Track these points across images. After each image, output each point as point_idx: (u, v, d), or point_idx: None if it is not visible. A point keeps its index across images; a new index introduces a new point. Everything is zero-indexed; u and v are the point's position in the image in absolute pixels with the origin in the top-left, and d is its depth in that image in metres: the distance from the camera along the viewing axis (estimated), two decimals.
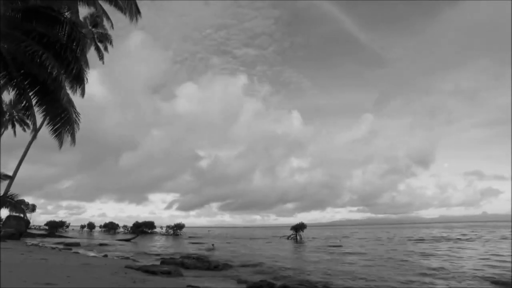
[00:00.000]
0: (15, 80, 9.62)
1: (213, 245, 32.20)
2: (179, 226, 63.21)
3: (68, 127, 10.63)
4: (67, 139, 11.13)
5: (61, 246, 27.57)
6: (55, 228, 66.84)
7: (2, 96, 11.16)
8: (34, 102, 10.15)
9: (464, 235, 47.44)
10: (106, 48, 32.75)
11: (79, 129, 10.93)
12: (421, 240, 38.49)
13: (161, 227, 68.63)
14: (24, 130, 35.62)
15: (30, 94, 9.99)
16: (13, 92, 10.04)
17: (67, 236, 46.36)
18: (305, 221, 45.42)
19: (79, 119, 10.74)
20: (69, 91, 10.39)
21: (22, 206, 35.71)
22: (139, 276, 11.26)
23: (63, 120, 10.48)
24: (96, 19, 30.43)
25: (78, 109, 11.02)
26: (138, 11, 20.47)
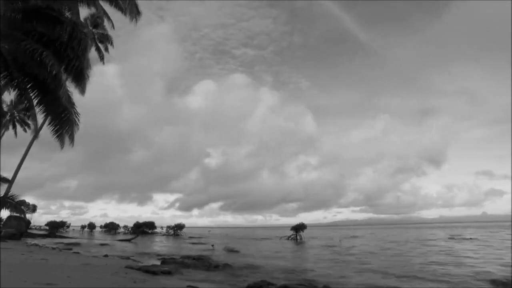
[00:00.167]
0: (16, 81, 9.65)
1: (213, 245, 32.22)
2: (179, 227, 63.24)
3: (67, 127, 10.65)
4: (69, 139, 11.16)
5: (61, 246, 27.59)
6: (55, 228, 66.90)
7: (3, 97, 11.20)
8: (35, 102, 10.18)
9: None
10: (106, 49, 32.84)
11: (78, 129, 10.95)
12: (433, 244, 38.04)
13: (162, 228, 68.68)
14: (25, 131, 35.71)
15: (31, 94, 10.02)
16: (14, 93, 10.08)
17: (68, 236, 46.39)
18: (306, 221, 45.64)
19: (78, 119, 10.76)
20: (70, 90, 10.42)
21: (23, 206, 35.81)
22: (139, 276, 11.28)
23: (63, 120, 10.50)
24: (97, 20, 30.50)
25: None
26: (138, 12, 20.52)
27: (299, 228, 44.43)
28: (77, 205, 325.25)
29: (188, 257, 18.47)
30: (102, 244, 33.20)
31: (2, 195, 22.78)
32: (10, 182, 29.39)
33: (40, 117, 10.80)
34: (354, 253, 23.74)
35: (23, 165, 31.01)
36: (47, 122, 10.93)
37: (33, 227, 67.46)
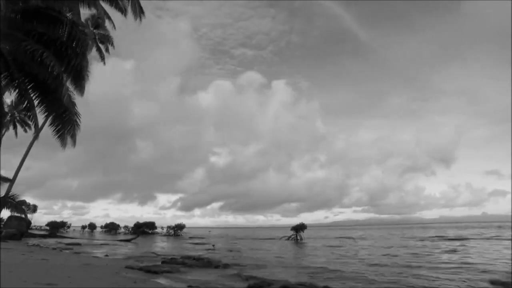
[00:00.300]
0: (16, 81, 9.67)
1: (213, 245, 32.24)
2: (180, 227, 63.30)
3: (69, 127, 10.68)
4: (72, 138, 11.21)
5: (62, 247, 27.64)
6: (56, 228, 67.03)
7: (4, 97, 11.21)
8: (36, 102, 10.21)
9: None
10: (107, 49, 32.95)
11: (79, 130, 10.99)
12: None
13: (162, 228, 68.77)
14: (26, 131, 35.77)
15: (31, 95, 10.05)
16: (15, 93, 10.11)
17: (68, 237, 46.44)
18: (307, 222, 45.67)
19: (79, 120, 10.79)
20: (70, 90, 10.44)
21: (23, 206, 35.86)
22: (140, 276, 11.30)
23: (64, 121, 10.53)
24: (98, 21, 30.57)
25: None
26: (141, 11, 20.56)
27: (299, 228, 44.48)
28: (79, 205, 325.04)
29: (188, 257, 18.48)
30: (102, 244, 33.24)
31: (2, 195, 22.86)
32: (10, 182, 29.45)
33: (41, 118, 10.82)
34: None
35: (25, 165, 31.06)
36: (48, 123, 10.97)
37: (34, 227, 67.60)
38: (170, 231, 63.72)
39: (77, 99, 10.86)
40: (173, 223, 65.40)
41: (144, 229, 64.24)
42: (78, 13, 15.74)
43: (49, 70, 9.04)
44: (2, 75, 9.23)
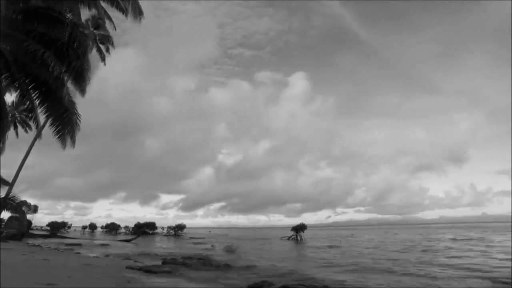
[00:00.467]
0: (17, 82, 9.70)
1: (213, 245, 32.25)
2: (180, 227, 63.35)
3: (69, 127, 10.70)
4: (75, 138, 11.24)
5: (62, 247, 27.66)
6: (56, 229, 67.14)
7: (5, 98, 11.23)
8: (37, 103, 10.23)
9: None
10: (108, 50, 32.98)
11: (79, 130, 11.02)
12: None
13: (162, 228, 68.82)
14: (26, 131, 35.79)
15: (32, 95, 10.06)
16: (16, 94, 10.13)
17: (69, 237, 46.45)
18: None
19: (79, 120, 10.81)
20: (71, 91, 10.47)
21: (24, 207, 35.92)
22: (140, 276, 11.32)
23: (65, 121, 10.55)
24: (98, 21, 30.59)
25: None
26: (141, 12, 20.60)
27: (299, 228, 44.56)
28: (82, 205, 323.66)
29: (188, 257, 18.50)
30: (103, 245, 33.26)
31: (3, 196, 22.86)
32: (11, 183, 29.46)
33: (41, 118, 10.85)
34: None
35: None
36: (48, 123, 10.99)
37: (35, 228, 67.62)
38: (171, 231, 63.77)
39: (79, 98, 10.90)
40: (175, 223, 65.56)
41: (144, 230, 64.29)
42: (79, 14, 15.74)
43: (50, 70, 9.05)
44: (3, 76, 9.25)
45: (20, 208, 24.78)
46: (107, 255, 20.80)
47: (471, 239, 38.14)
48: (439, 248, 27.86)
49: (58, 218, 79.41)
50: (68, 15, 10.50)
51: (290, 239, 44.52)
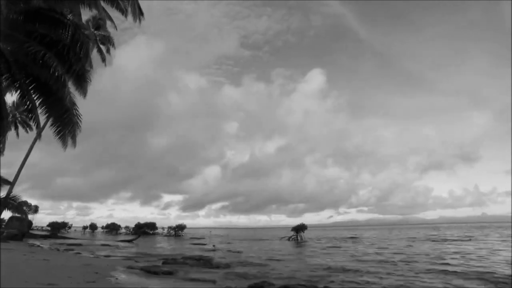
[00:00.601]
0: (18, 82, 9.71)
1: (214, 246, 32.27)
2: (180, 227, 63.41)
3: (70, 128, 10.72)
4: (77, 138, 11.25)
5: (63, 247, 27.69)
6: (57, 229, 67.24)
7: (5, 98, 11.24)
8: (37, 103, 10.24)
9: None
10: (108, 50, 33.02)
11: (80, 131, 11.04)
12: None
13: (163, 228, 68.90)
14: (27, 132, 35.84)
15: (33, 96, 10.08)
16: (16, 94, 10.14)
17: (69, 237, 46.52)
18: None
19: (80, 121, 10.83)
20: (71, 91, 10.48)
21: (25, 207, 35.92)
22: (140, 276, 11.33)
23: (65, 122, 10.56)
24: (99, 22, 30.64)
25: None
26: (141, 13, 20.61)
27: (299, 228, 44.60)
28: (84, 205, 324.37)
29: (189, 257, 18.50)
30: (103, 245, 33.28)
31: (3, 196, 22.91)
32: (11, 183, 29.49)
33: (42, 118, 10.86)
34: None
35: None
36: (49, 124, 11.00)
37: (35, 228, 67.73)
38: (171, 231, 63.83)
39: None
40: (177, 223, 65.71)
41: (145, 230, 64.39)
42: (79, 14, 15.76)
43: (51, 71, 9.07)
44: (4, 76, 9.27)
45: (21, 208, 24.78)
46: (107, 256, 20.82)
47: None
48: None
49: (60, 218, 79.71)
50: (69, 15, 10.52)
51: (290, 239, 44.52)
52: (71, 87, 10.42)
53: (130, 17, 20.14)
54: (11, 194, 25.28)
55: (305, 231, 45.35)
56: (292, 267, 16.57)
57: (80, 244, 32.67)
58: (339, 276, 13.28)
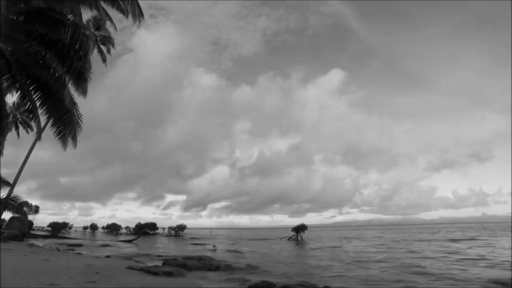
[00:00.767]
0: (18, 83, 9.72)
1: (214, 246, 32.25)
2: (181, 227, 63.40)
3: (70, 128, 10.73)
4: (78, 138, 11.27)
5: (63, 247, 27.71)
6: (57, 229, 67.29)
7: (6, 99, 11.26)
8: (38, 103, 10.25)
9: None
10: (108, 51, 33.03)
11: (81, 131, 11.05)
12: None
13: (163, 228, 68.89)
14: (28, 132, 35.86)
15: (34, 96, 10.09)
16: (17, 94, 10.15)
17: (70, 237, 46.55)
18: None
19: (81, 121, 10.85)
20: (71, 92, 10.49)
21: (25, 208, 35.98)
22: (141, 276, 11.33)
23: (66, 122, 10.57)
24: (99, 22, 30.63)
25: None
26: (141, 14, 20.62)
27: (299, 229, 44.63)
28: (86, 206, 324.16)
29: (189, 258, 18.49)
30: (104, 245, 33.30)
31: (4, 197, 22.92)
32: (12, 183, 29.48)
33: (42, 119, 10.87)
34: None
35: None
36: (49, 124, 11.01)
37: (36, 228, 67.78)
38: (172, 232, 63.83)
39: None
40: (178, 224, 65.71)
41: (145, 230, 64.38)
42: (80, 14, 15.78)
43: (51, 72, 9.07)
44: (4, 77, 9.27)
45: (22, 209, 24.83)
46: (108, 256, 20.82)
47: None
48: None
49: (62, 219, 79.77)
50: (69, 16, 10.54)
51: (291, 239, 44.52)
52: (71, 87, 10.45)
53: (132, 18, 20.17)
54: (12, 195, 25.31)
55: (305, 231, 45.36)
56: (292, 267, 16.58)
57: (80, 244, 32.70)
58: (340, 276, 13.28)
